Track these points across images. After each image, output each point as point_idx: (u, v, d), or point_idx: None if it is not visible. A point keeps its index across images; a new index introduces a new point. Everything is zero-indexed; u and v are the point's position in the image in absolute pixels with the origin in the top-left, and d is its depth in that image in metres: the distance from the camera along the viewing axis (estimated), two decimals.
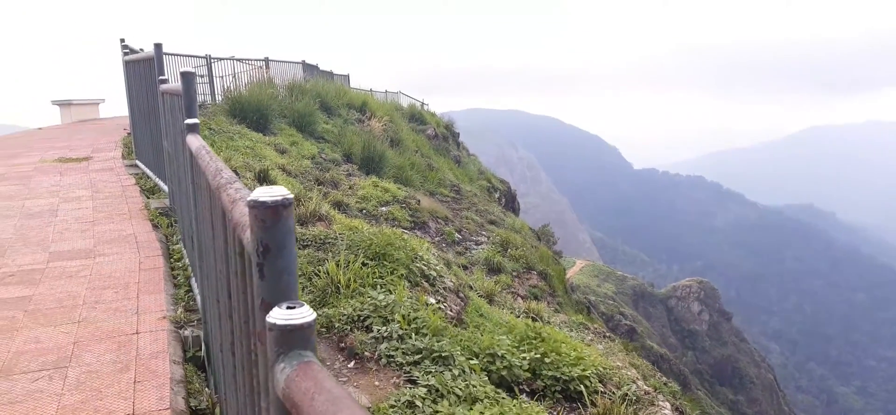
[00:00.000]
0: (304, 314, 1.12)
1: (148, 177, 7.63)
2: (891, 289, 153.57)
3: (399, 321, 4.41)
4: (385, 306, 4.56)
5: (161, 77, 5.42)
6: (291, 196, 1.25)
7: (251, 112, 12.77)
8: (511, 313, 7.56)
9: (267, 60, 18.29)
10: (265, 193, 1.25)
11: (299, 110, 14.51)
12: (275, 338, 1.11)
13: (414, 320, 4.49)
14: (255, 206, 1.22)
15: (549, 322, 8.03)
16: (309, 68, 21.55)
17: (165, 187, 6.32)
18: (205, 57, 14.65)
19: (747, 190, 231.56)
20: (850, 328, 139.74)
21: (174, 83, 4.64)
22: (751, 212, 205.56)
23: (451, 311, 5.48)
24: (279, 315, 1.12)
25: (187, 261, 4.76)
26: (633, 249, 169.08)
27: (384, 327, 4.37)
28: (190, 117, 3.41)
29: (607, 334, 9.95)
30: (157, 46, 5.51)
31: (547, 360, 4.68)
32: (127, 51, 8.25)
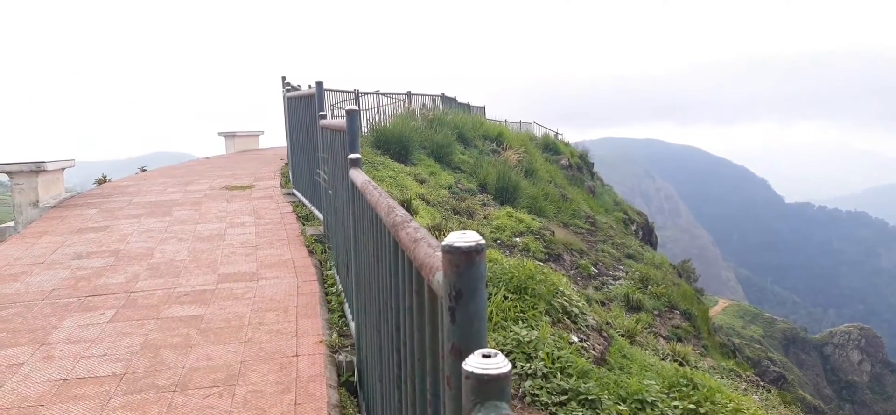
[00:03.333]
0: (500, 364, 1.11)
1: (304, 205, 8.15)
2: None
3: (543, 359, 4.35)
4: (528, 342, 4.52)
5: (321, 113, 5.79)
6: (484, 242, 1.27)
7: (394, 143, 13.30)
8: (655, 354, 7.21)
9: (409, 94, 19.04)
10: (459, 239, 1.26)
11: (438, 141, 14.90)
12: (472, 387, 1.11)
13: (558, 358, 4.40)
14: (450, 251, 1.24)
15: (697, 367, 7.57)
16: (447, 101, 22.16)
17: (320, 215, 6.70)
18: (353, 91, 15.52)
19: None
20: None
21: (333, 119, 4.93)
22: None
23: (594, 350, 5.32)
24: (476, 364, 1.12)
25: (340, 287, 5.00)
26: (783, 289, 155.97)
27: (528, 365, 4.32)
28: (353, 152, 3.60)
29: (762, 383, 9.21)
30: (319, 84, 5.91)
31: (701, 410, 4.40)
32: (289, 87, 8.91)
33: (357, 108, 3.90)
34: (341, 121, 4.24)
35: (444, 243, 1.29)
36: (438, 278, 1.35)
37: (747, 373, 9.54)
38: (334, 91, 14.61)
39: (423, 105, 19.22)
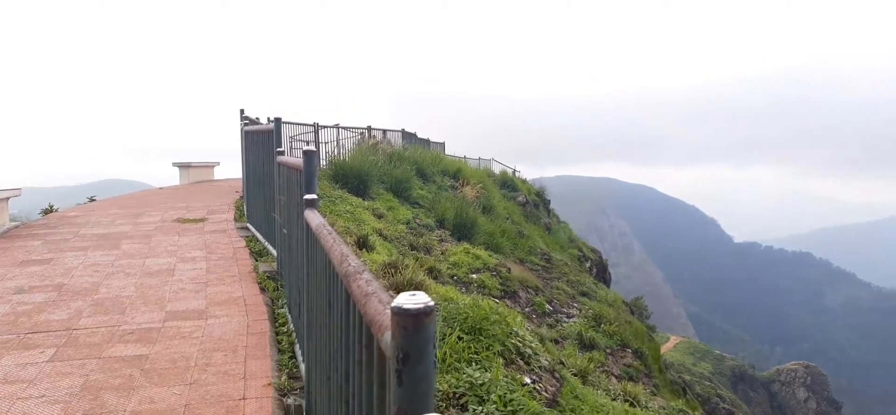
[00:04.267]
0: None
1: (258, 240, 8.03)
2: None
3: (495, 402, 4.35)
4: (481, 385, 4.52)
5: (278, 149, 5.75)
6: (433, 303, 1.28)
7: (353, 177, 13.27)
8: (607, 394, 7.28)
9: (369, 128, 19.06)
10: (408, 300, 1.28)
11: (397, 176, 14.93)
12: None
13: (510, 401, 4.41)
14: (399, 312, 1.26)
15: (646, 407, 7.67)
16: (408, 136, 22.27)
17: (274, 251, 6.62)
18: (313, 125, 15.46)
19: (860, 270, 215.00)
20: None
21: (291, 157, 4.91)
22: (864, 293, 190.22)
23: (546, 392, 5.35)
24: None
25: (292, 327, 4.92)
26: (732, 326, 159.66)
27: (480, 408, 4.32)
28: (309, 193, 3.58)
29: None
30: (277, 121, 5.88)
31: None
32: (246, 121, 8.83)
33: (315, 148, 3.89)
34: (299, 160, 4.23)
35: (393, 305, 1.30)
36: (387, 338, 1.36)
37: (696, 413, 9.69)
38: (293, 124, 14.53)
39: (384, 139, 19.27)
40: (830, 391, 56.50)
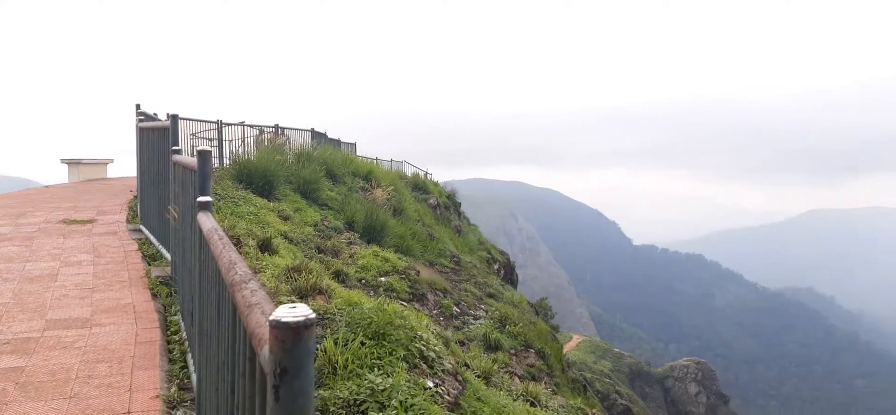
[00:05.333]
0: None
1: (151, 243, 7.64)
2: (890, 378, 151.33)
3: (396, 407, 4.34)
4: (382, 391, 4.49)
5: (174, 147, 5.49)
6: (313, 316, 1.25)
7: (258, 177, 12.88)
8: (509, 395, 7.42)
9: (277, 127, 18.56)
10: (288, 313, 1.25)
11: (305, 177, 14.63)
12: None
13: (411, 406, 4.41)
14: (277, 326, 1.22)
15: (547, 406, 7.89)
16: (318, 136, 21.85)
17: (168, 255, 6.32)
18: (216, 122, 14.88)
19: (747, 271, 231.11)
20: None
21: (187, 156, 4.69)
22: (750, 293, 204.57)
23: (448, 395, 5.39)
24: None
25: (184, 335, 4.71)
26: (630, 326, 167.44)
27: (381, 414, 4.29)
28: (203, 195, 3.44)
29: None
30: (173, 118, 5.60)
31: None
32: (142, 117, 8.37)
33: (219, 146, 3.74)
34: (194, 160, 4.05)
35: (271, 317, 1.26)
36: (265, 352, 1.32)
37: (593, 410, 10.07)
38: (195, 121, 13.92)
39: (282, 136, 18.81)
40: (719, 386, 60.29)
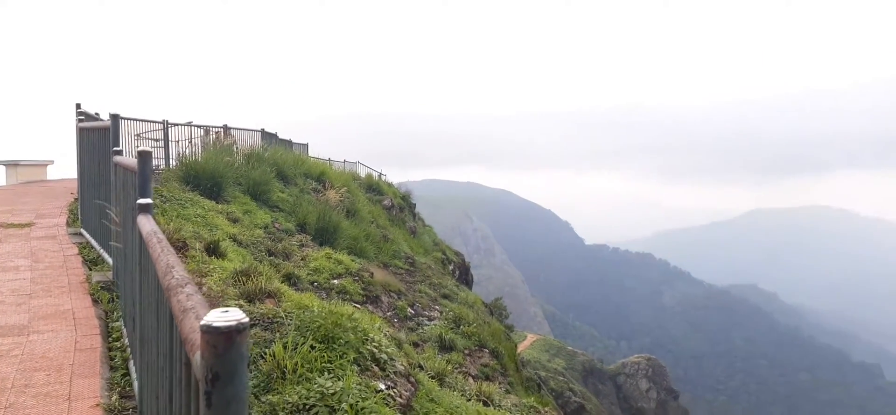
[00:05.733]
0: None
1: (92, 247, 7.39)
2: (831, 370, 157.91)
3: (347, 411, 4.30)
4: (332, 394, 4.45)
5: (115, 148, 5.32)
6: (246, 320, 1.23)
7: (206, 179, 12.58)
8: (462, 395, 7.45)
9: (226, 127, 18.18)
10: (219, 318, 1.22)
11: (255, 179, 14.37)
12: None
13: (361, 409, 4.38)
14: (208, 331, 1.20)
15: (499, 406, 7.95)
16: (268, 136, 21.50)
17: (110, 260, 6.12)
18: (162, 122, 14.49)
19: (694, 269, 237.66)
20: (792, 409, 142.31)
21: (129, 157, 4.56)
22: (697, 290, 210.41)
23: (400, 398, 5.37)
24: None
25: (126, 342, 4.58)
26: (583, 324, 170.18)
27: None
28: (143, 197, 3.35)
29: None
30: (114, 117, 5.42)
31: None
32: (82, 117, 8.08)
33: (150, 150, 3.64)
34: (134, 161, 3.94)
35: (202, 322, 1.23)
36: (198, 358, 1.29)
37: (545, 408, 10.19)
38: (139, 121, 13.51)
39: (228, 136, 18.45)
40: (669, 381, 61.82)
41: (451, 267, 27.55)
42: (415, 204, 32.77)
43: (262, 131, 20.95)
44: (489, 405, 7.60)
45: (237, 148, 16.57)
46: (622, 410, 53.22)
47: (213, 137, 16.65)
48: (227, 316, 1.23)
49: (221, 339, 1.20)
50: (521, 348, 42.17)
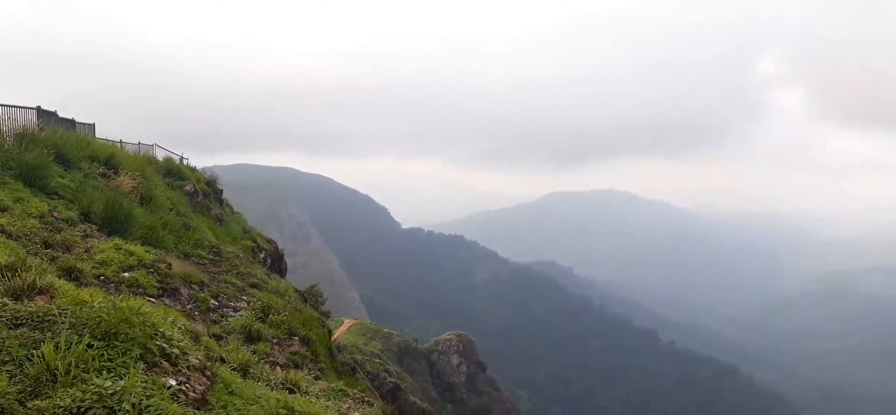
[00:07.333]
0: None
1: None
2: (619, 336, 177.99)
3: (128, 411, 4.02)
4: (112, 395, 4.13)
5: None
6: None
7: None
8: (267, 386, 7.28)
9: None
10: None
11: (29, 162, 12.77)
12: None
13: (147, 407, 4.13)
14: None
15: (307, 392, 7.90)
16: (45, 115, 19.05)
17: None
18: None
19: (501, 248, 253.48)
20: (586, 372, 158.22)
21: None
22: (503, 268, 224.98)
23: (194, 392, 5.13)
24: None
25: None
26: (400, 306, 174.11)
27: None
28: None
29: (367, 399, 10.07)
30: None
31: None
32: None
33: None
34: None
35: None
36: None
37: (355, 391, 10.32)
38: None
39: (8, 118, 16.18)
40: (478, 355, 65.57)
41: (262, 255, 26.70)
42: (222, 190, 31.17)
43: (39, 109, 18.54)
44: (295, 393, 7.51)
45: (6, 127, 14.59)
46: (435, 386, 55.50)
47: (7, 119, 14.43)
48: None
49: None
50: (337, 333, 42.06)
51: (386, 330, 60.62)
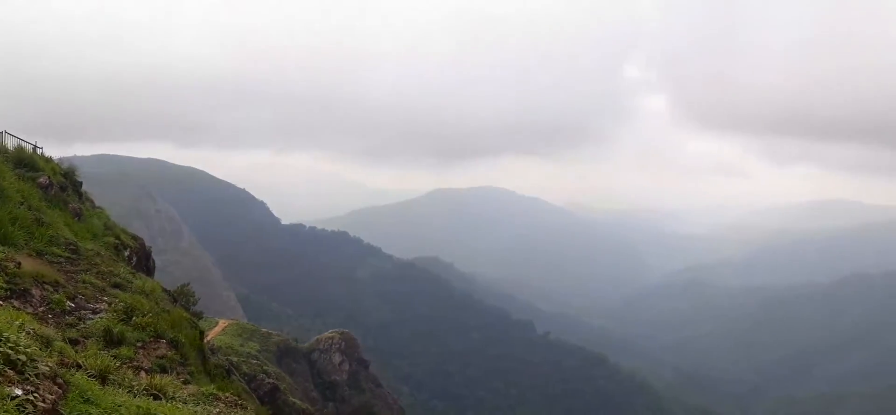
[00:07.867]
0: None
1: None
2: (498, 328, 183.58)
3: None
4: None
5: None
6: None
7: None
8: (129, 392, 6.88)
9: None
10: None
11: None
12: None
13: None
14: None
15: (173, 398, 7.55)
16: None
17: None
18: None
19: (385, 244, 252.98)
20: (466, 365, 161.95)
21: None
22: (387, 264, 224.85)
23: (43, 402, 4.76)
24: None
25: None
26: (279, 304, 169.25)
27: None
28: None
29: (241, 402, 9.76)
30: None
31: None
32: None
33: None
34: None
35: None
36: None
37: (227, 394, 9.97)
38: None
39: None
40: (360, 352, 65.11)
41: (127, 253, 25.05)
42: (81, 183, 28.92)
43: None
44: (160, 399, 7.15)
45: None
46: (316, 385, 54.53)
47: None
48: None
49: None
50: (211, 335, 40.17)
51: (264, 330, 58.68)
